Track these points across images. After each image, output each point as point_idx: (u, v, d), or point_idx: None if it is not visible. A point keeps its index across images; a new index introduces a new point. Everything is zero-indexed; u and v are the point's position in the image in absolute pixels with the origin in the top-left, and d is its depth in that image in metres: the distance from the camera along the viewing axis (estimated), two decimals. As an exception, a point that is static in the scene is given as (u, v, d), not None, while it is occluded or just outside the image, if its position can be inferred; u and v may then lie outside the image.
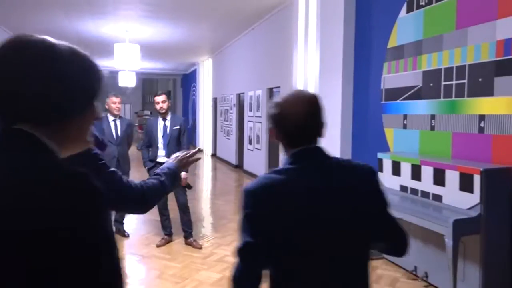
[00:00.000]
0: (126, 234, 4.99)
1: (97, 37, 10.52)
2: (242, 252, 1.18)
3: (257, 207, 1.19)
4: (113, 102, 4.79)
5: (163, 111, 4.70)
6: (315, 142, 1.28)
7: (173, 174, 1.64)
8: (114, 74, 15.93)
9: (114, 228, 4.99)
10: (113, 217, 5.12)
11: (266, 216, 1.18)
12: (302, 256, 1.19)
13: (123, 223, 5.05)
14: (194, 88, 17.78)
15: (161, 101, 4.72)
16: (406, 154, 4.10)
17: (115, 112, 4.81)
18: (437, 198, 3.40)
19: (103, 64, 16.11)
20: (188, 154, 1.74)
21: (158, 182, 1.57)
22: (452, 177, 3.25)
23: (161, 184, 1.57)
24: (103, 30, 9.71)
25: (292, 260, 1.19)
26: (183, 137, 4.69)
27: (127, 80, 11.82)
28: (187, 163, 1.74)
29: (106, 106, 4.82)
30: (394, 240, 1.34)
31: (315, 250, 1.19)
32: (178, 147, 4.50)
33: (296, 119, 1.24)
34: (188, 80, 19.91)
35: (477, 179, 3.02)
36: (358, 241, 1.23)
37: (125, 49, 9.31)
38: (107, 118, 4.83)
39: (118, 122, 4.87)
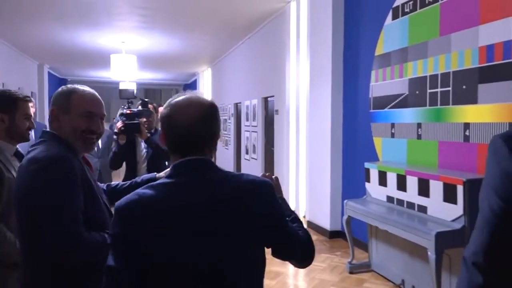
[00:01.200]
0: None
1: (94, 48, 10.56)
2: (105, 275, 1.06)
3: (122, 227, 1.06)
4: None
5: None
6: (202, 153, 1.16)
7: None
8: (115, 84, 16.08)
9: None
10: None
11: (131, 238, 1.05)
12: (171, 280, 1.07)
13: None
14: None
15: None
16: (393, 164, 4.01)
17: None
18: (422, 209, 3.30)
19: (100, 75, 16.23)
20: None
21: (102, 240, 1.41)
22: (436, 187, 3.15)
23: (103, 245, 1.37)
24: (99, 41, 9.75)
25: (162, 285, 1.07)
26: None
27: (127, 90, 11.88)
28: None
29: None
30: (294, 255, 1.28)
31: (184, 272, 1.08)
32: None
33: (184, 125, 1.13)
34: (189, 89, 19.91)
35: (460, 189, 2.92)
36: (239, 264, 1.13)
37: (122, 60, 9.34)
38: None
39: None
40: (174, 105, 1.16)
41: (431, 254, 2.89)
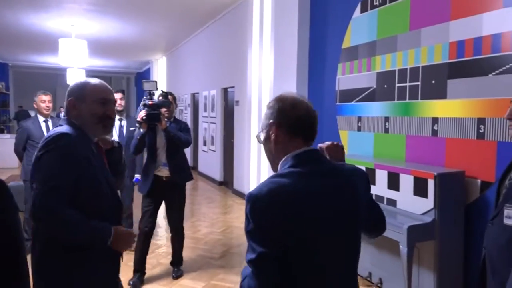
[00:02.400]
0: None
1: (41, 31, 9.87)
2: (257, 263, 1.13)
3: (267, 215, 1.13)
4: (42, 100, 4.35)
5: (121, 108, 4.33)
6: (311, 145, 1.30)
7: (102, 233, 1.63)
8: (61, 71, 15.16)
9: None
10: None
11: (276, 223, 1.13)
12: (317, 262, 1.18)
13: None
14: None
15: (119, 98, 4.34)
16: (361, 157, 4.01)
17: (45, 112, 4.38)
18: (392, 202, 3.32)
19: (47, 60, 15.28)
20: None
21: (79, 223, 1.56)
22: (406, 181, 3.17)
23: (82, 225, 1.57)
24: (47, 24, 9.11)
25: (307, 268, 1.17)
26: None
27: (75, 78, 11.19)
28: (120, 242, 1.67)
29: (35, 106, 4.39)
30: (379, 223, 1.47)
31: (328, 254, 1.20)
32: None
33: (309, 120, 1.28)
34: (142, 78, 19.27)
35: (431, 183, 2.95)
36: (358, 239, 1.30)
37: (71, 45, 8.77)
38: (37, 119, 4.39)
39: (50, 123, 4.44)
40: (296, 102, 1.29)
41: (403, 248, 2.90)
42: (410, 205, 3.14)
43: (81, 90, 1.68)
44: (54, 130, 1.61)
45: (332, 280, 1.23)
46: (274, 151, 1.29)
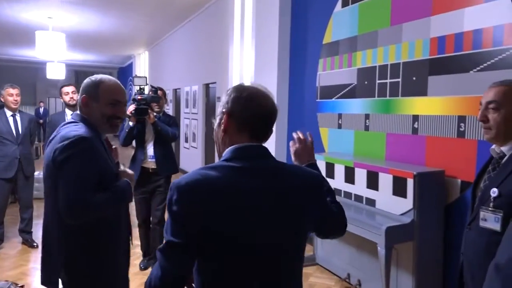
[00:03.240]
0: (34, 244, 4.39)
1: (16, 23, 9.55)
2: (164, 251, 1.09)
3: (185, 204, 1.08)
4: (10, 94, 4.17)
5: (73, 102, 4.19)
6: (261, 142, 1.21)
7: (123, 193, 1.82)
8: (41, 65, 14.76)
9: (21, 239, 4.44)
10: (18, 227, 4.52)
11: (192, 216, 1.07)
12: (232, 257, 1.10)
13: (30, 232, 4.46)
14: (131, 82, 16.93)
15: (71, 91, 4.21)
16: (340, 155, 3.92)
17: (13, 106, 4.20)
18: (371, 202, 3.23)
19: (24, 53, 14.87)
20: None
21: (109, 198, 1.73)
22: (385, 180, 3.08)
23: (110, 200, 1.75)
24: (23, 15, 8.81)
25: (222, 262, 1.10)
26: None
27: (55, 72, 10.90)
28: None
29: (2, 99, 4.20)
30: (334, 232, 1.41)
31: (247, 251, 1.11)
32: None
33: (262, 118, 1.19)
34: (125, 73, 18.95)
35: (410, 183, 2.86)
36: (294, 242, 1.20)
37: (48, 38, 8.49)
38: (5, 113, 4.20)
39: (18, 117, 4.26)
40: (255, 91, 1.20)
41: (381, 249, 2.81)
42: (389, 205, 3.05)
43: (95, 89, 1.74)
44: (70, 131, 1.66)
45: (253, 282, 1.14)
46: (221, 140, 1.22)
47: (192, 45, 9.13)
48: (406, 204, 2.90)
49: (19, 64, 17.59)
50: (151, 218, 3.94)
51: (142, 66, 14.68)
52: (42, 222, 1.82)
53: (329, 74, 4.37)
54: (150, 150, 3.80)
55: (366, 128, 3.81)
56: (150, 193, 3.85)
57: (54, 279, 1.73)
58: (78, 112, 1.80)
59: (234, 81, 6.54)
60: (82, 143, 1.62)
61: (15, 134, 4.19)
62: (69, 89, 4.24)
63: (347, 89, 4.08)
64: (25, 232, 4.40)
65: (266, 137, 1.23)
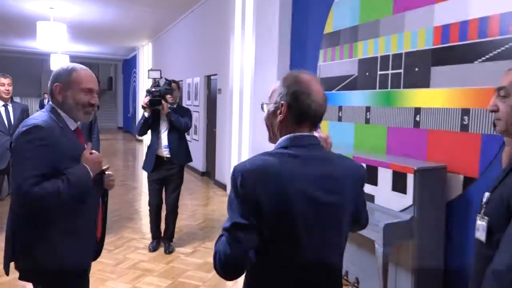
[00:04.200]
0: None
1: (20, 14, 9.48)
2: (231, 231, 1.16)
3: (249, 186, 1.15)
4: (1, 83, 4.10)
5: (8, 95, 4.16)
6: (314, 130, 1.30)
7: (79, 181, 1.70)
8: (46, 57, 14.69)
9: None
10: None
11: (257, 196, 1.15)
12: (292, 239, 1.19)
13: None
14: (135, 74, 16.85)
15: (6, 83, 4.15)
16: (340, 148, 3.79)
17: (4, 96, 4.13)
18: (369, 198, 3.11)
19: (26, 44, 14.82)
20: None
21: (56, 190, 1.62)
22: (385, 175, 2.95)
23: (57, 193, 1.63)
24: (25, 5, 8.73)
25: (282, 244, 1.20)
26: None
27: (59, 64, 10.86)
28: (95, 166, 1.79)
29: None
30: (364, 221, 1.47)
31: (305, 235, 1.20)
32: None
33: (320, 110, 1.27)
34: (129, 65, 18.87)
35: (410, 178, 2.74)
36: (345, 227, 1.30)
37: (50, 29, 8.41)
38: None
39: (10, 107, 4.18)
40: (311, 82, 1.27)
41: (378, 247, 2.69)
42: (388, 201, 2.93)
43: (67, 77, 1.73)
44: (30, 119, 1.67)
45: (308, 262, 1.23)
46: (276, 128, 1.30)
47: (194, 37, 9.01)
48: (406, 200, 2.78)
49: (25, 56, 17.58)
50: (164, 205, 4.18)
51: (146, 58, 14.58)
52: None
53: (330, 65, 4.23)
54: (164, 140, 4.01)
55: (367, 121, 3.68)
56: (163, 180, 4.08)
57: (5, 266, 1.76)
58: (49, 103, 1.79)
59: (235, 73, 6.42)
60: (36, 131, 1.60)
61: (7, 125, 4.13)
62: (6, 80, 4.14)
63: (347, 80, 3.95)
64: None
65: (318, 126, 1.33)
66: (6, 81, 4.10)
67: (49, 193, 1.58)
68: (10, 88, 4.13)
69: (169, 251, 4.10)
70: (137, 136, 4.33)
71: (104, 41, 14.12)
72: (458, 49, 2.82)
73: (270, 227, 1.17)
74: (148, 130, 4.04)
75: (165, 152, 4.00)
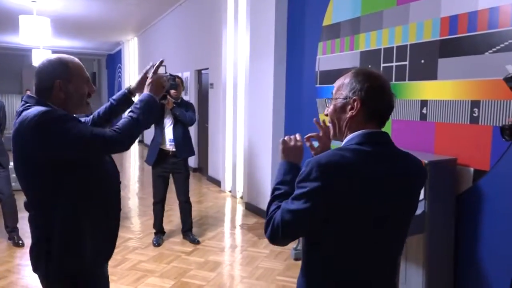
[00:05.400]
0: (20, 243, 4.08)
1: (0, 7, 9.15)
2: (296, 213, 1.18)
3: (325, 180, 1.14)
4: None
5: None
6: (382, 127, 1.30)
7: (147, 104, 1.70)
8: (27, 52, 14.28)
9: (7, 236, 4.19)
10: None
11: (334, 190, 1.15)
12: (361, 236, 1.20)
13: (16, 229, 4.16)
14: (120, 69, 16.55)
15: None
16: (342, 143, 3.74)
17: None
18: (377, 192, 3.06)
19: (7, 39, 14.39)
20: (147, 70, 1.84)
21: (130, 119, 1.64)
22: (394, 169, 2.90)
23: (133, 120, 1.64)
24: (6, -1, 8.44)
25: (351, 239, 1.20)
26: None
27: (41, 59, 10.54)
28: (153, 80, 1.76)
29: None
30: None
31: (374, 232, 1.21)
32: None
33: (390, 99, 1.26)
34: (113, 60, 18.52)
35: (421, 172, 2.69)
36: (408, 223, 1.34)
37: (33, 23, 8.14)
38: None
39: None
40: (383, 79, 1.27)
41: (390, 243, 2.65)
42: (398, 195, 2.89)
43: (66, 70, 1.61)
44: (26, 114, 1.50)
45: (368, 259, 1.24)
46: (345, 124, 1.28)
47: (183, 30, 8.84)
48: (416, 194, 2.73)
49: (4, 51, 17.07)
50: (177, 198, 4.29)
51: (131, 53, 14.31)
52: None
53: (330, 58, 4.17)
54: (169, 134, 4.08)
55: (370, 114, 3.63)
56: (168, 173, 4.17)
57: (42, 269, 1.61)
58: (30, 95, 1.66)
59: (228, 67, 6.31)
60: (52, 112, 1.51)
61: None
62: None
63: (349, 73, 3.88)
64: (10, 229, 4.13)
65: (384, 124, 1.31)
66: None
67: (127, 127, 1.61)
68: None
69: (197, 241, 4.26)
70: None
71: (88, 36, 13.80)
72: (467, 40, 2.78)
73: (342, 221, 1.18)
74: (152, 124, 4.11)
75: (170, 146, 4.07)
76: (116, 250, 3.90)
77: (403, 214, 1.29)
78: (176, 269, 3.60)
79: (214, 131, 7.16)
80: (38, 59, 10.42)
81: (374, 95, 1.24)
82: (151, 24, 11.40)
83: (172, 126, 4.08)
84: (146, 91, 1.76)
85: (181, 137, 4.08)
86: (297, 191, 1.20)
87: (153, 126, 3.97)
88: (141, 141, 13.45)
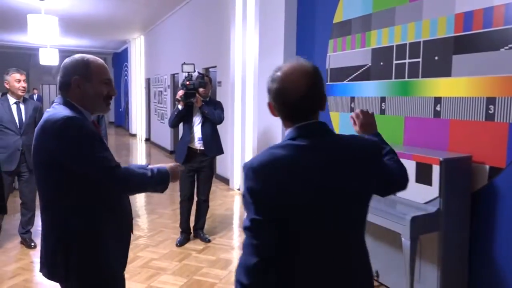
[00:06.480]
0: (32, 244, 4.07)
1: (7, 7, 9.20)
2: (250, 229, 1.16)
3: (259, 182, 1.16)
4: (17, 80, 3.81)
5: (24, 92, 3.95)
6: (316, 116, 1.26)
7: (162, 176, 1.70)
8: (34, 51, 14.35)
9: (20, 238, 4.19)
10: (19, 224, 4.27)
11: (270, 192, 1.15)
12: (308, 231, 1.19)
13: (29, 232, 4.14)
14: (126, 68, 16.60)
15: (22, 79, 3.90)
16: (354, 140, 3.72)
17: (20, 93, 3.85)
18: (390, 190, 3.04)
19: (18, 39, 14.46)
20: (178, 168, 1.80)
21: (144, 172, 1.65)
22: (408, 167, 2.85)
23: (146, 175, 1.65)
24: (14, -2, 8.47)
25: (299, 236, 1.19)
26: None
27: (49, 58, 10.58)
28: (173, 169, 1.76)
29: (7, 86, 3.84)
30: (396, 185, 1.50)
31: (320, 224, 1.20)
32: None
33: (297, 92, 1.22)
34: (120, 59, 18.58)
35: (436, 169, 2.68)
36: (361, 209, 1.29)
37: (41, 21, 8.17)
38: (7, 101, 3.85)
39: (22, 105, 3.91)
40: (283, 76, 1.22)
41: (406, 240, 2.63)
42: (412, 193, 2.86)
43: (86, 69, 1.66)
44: (53, 114, 1.55)
45: (328, 251, 1.22)
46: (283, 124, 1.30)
47: (191, 28, 8.84)
48: (431, 192, 2.72)
49: (11, 50, 17.16)
50: (196, 195, 4.27)
51: (138, 51, 14.34)
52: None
53: (340, 55, 4.15)
54: (198, 132, 4.08)
55: (382, 111, 3.61)
56: (195, 171, 4.15)
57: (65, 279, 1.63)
58: (60, 96, 1.69)
59: (236, 65, 6.30)
60: (72, 121, 1.53)
61: (18, 124, 3.85)
62: (22, 76, 3.88)
63: (360, 70, 3.87)
64: (24, 231, 4.13)
65: (314, 114, 1.26)
66: (22, 77, 3.84)
67: (139, 174, 1.62)
68: (26, 84, 3.90)
69: (208, 239, 4.26)
70: (169, 127, 4.34)
71: (94, 34, 13.83)
72: (482, 36, 2.75)
73: (287, 220, 1.17)
74: (180, 122, 4.15)
75: (198, 145, 4.07)
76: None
77: (352, 198, 1.24)
78: (188, 267, 3.61)
79: (223, 129, 7.16)
80: (45, 58, 10.45)
81: (273, 97, 1.25)
82: (158, 22, 11.41)
83: (200, 124, 4.07)
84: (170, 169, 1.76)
85: (210, 135, 4.07)
86: (243, 201, 1.20)
87: (181, 124, 4.18)
88: (147, 139, 13.48)
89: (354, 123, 1.62)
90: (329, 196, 1.19)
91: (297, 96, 1.21)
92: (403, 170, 1.49)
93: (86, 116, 1.66)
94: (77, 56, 1.69)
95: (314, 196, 1.17)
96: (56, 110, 1.59)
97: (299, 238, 1.19)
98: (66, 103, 1.64)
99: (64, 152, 1.51)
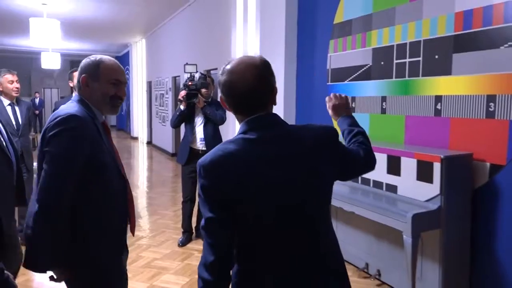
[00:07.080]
0: None
1: (9, 11, 9.26)
2: (206, 228, 1.17)
3: (211, 180, 1.17)
4: (10, 81, 3.81)
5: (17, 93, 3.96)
6: (267, 109, 1.25)
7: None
8: (36, 55, 14.41)
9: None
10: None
11: (221, 188, 1.16)
12: (261, 226, 1.19)
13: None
14: (128, 71, 16.65)
15: (15, 80, 3.90)
16: (355, 140, 3.73)
17: (14, 94, 3.85)
18: (392, 188, 3.06)
19: (20, 43, 14.53)
20: None
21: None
22: (409, 165, 2.90)
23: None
24: (16, 2, 8.52)
25: (253, 232, 1.19)
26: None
27: (51, 62, 10.64)
28: None
29: (0, 88, 3.84)
30: (358, 172, 1.54)
31: (273, 219, 1.19)
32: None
33: (244, 85, 1.21)
34: (121, 62, 18.52)
35: (437, 167, 2.69)
36: (318, 201, 1.26)
37: (43, 25, 8.21)
38: (2, 103, 3.84)
39: (16, 107, 3.91)
40: (231, 70, 1.22)
41: (407, 238, 2.64)
42: (413, 191, 2.88)
43: (95, 69, 1.69)
44: (63, 110, 1.60)
45: (288, 243, 1.21)
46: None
47: (191, 31, 8.88)
48: (432, 189, 2.73)
49: (13, 54, 17.24)
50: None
51: (139, 55, 14.39)
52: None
53: (341, 55, 4.17)
54: (200, 133, 4.09)
55: (383, 111, 3.63)
56: (196, 172, 4.07)
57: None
58: (76, 94, 1.74)
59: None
60: (72, 120, 1.55)
61: (15, 126, 3.85)
62: (14, 77, 3.87)
63: (361, 70, 3.88)
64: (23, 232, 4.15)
65: (261, 108, 1.24)
66: (14, 78, 3.84)
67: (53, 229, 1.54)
68: (19, 85, 3.90)
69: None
70: (170, 127, 4.52)
71: (96, 38, 13.90)
72: (482, 34, 2.77)
73: (240, 215, 1.17)
74: (182, 122, 4.17)
75: (200, 145, 4.08)
76: (129, 248, 3.95)
77: (305, 189, 1.21)
78: (190, 267, 3.62)
79: (224, 131, 7.17)
80: (47, 61, 10.51)
81: (223, 91, 1.24)
82: (159, 25, 11.46)
83: (202, 125, 4.09)
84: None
85: (212, 136, 4.07)
86: (199, 200, 1.22)
87: (183, 125, 4.22)
88: (149, 142, 13.51)
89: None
90: (281, 188, 1.18)
91: (244, 89, 1.21)
92: (368, 151, 1.45)
93: (96, 115, 1.68)
94: (93, 55, 1.73)
95: (265, 190, 1.16)
96: (67, 106, 1.63)
97: (257, 232, 1.19)
98: (79, 100, 1.67)
99: (48, 145, 1.54)
